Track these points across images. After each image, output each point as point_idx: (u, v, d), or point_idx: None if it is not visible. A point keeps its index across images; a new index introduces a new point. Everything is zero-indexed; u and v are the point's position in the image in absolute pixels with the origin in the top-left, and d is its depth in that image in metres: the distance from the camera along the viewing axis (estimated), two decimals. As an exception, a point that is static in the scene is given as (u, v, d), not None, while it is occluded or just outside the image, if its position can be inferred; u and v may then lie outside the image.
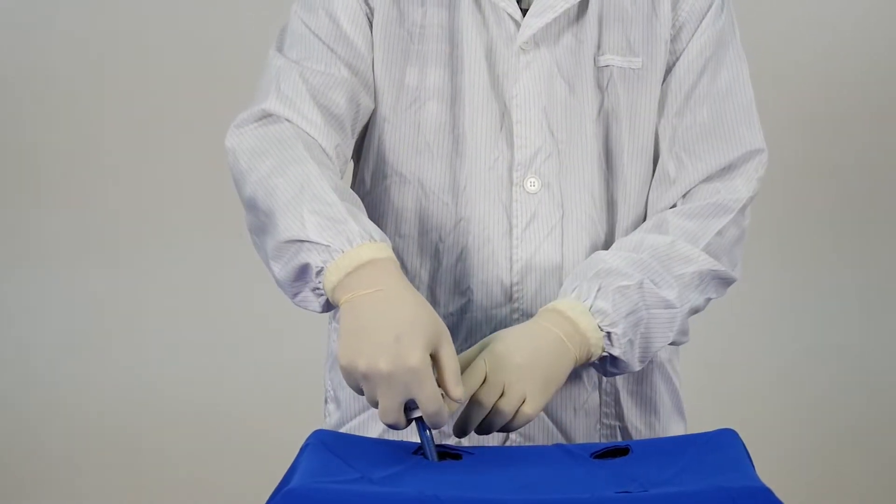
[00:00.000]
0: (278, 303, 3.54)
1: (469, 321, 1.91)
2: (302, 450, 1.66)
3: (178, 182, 3.57)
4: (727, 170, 1.92)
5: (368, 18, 1.89)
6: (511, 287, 1.90)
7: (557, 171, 1.90)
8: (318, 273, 1.69)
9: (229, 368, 3.59)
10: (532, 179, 1.89)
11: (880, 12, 3.53)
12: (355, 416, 1.98)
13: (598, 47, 1.90)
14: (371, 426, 1.96)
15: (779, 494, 1.52)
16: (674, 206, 1.91)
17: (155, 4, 3.55)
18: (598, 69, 1.90)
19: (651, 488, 1.54)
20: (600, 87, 1.90)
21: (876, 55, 3.53)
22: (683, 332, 1.93)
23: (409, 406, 1.65)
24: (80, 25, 3.54)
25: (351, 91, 1.88)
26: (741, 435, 1.70)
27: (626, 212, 1.92)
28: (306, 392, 3.52)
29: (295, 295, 1.74)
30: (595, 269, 1.81)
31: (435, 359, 1.63)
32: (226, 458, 3.59)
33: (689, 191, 1.91)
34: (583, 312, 1.77)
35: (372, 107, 1.91)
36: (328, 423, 2.02)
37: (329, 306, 1.73)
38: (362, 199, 1.87)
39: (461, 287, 1.92)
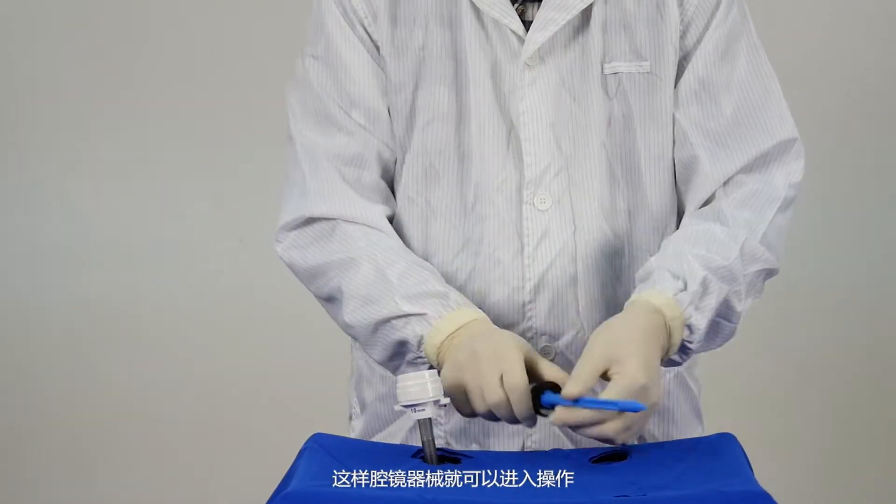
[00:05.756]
0: (278, 305, 3.55)
1: None
2: (300, 453, 1.66)
3: (179, 182, 3.56)
4: (762, 160, 1.87)
5: (375, 59, 1.88)
6: (524, 306, 1.87)
7: (567, 186, 1.87)
8: (419, 344, 1.78)
9: (227, 370, 3.58)
10: (542, 196, 1.86)
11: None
12: (384, 426, 1.97)
13: (605, 55, 1.86)
14: (396, 437, 1.94)
15: (778, 499, 1.52)
16: (710, 197, 1.87)
17: (153, 3, 3.55)
18: (605, 77, 1.86)
19: (649, 492, 1.54)
20: (609, 95, 1.87)
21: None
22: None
23: (416, 408, 1.66)
24: (78, 24, 3.53)
25: (376, 150, 1.90)
26: (750, 436, 1.69)
27: (647, 219, 1.89)
28: (306, 395, 3.52)
29: (395, 370, 1.83)
30: (698, 275, 1.75)
31: (532, 368, 1.71)
32: (224, 462, 3.58)
33: (728, 181, 1.87)
34: (681, 325, 1.74)
35: (394, 152, 1.91)
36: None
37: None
38: None
39: None
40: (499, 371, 1.68)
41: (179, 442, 3.58)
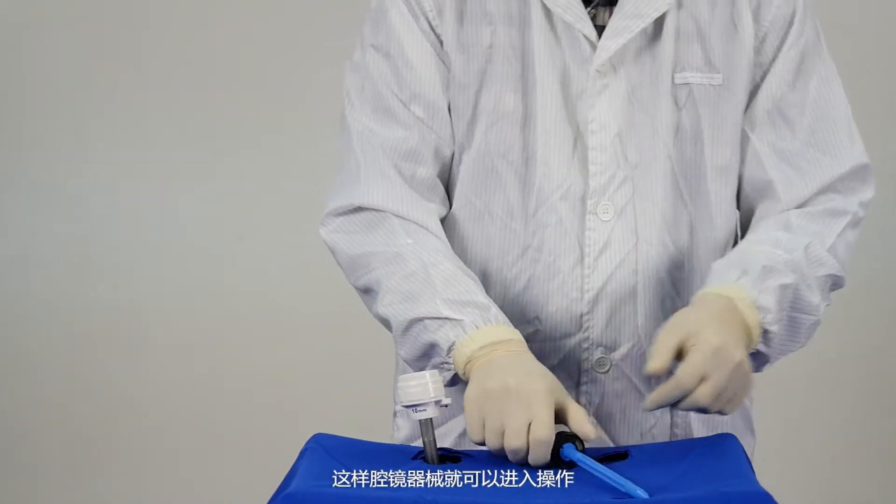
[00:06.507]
0: (278, 304, 3.55)
1: (536, 351, 1.78)
2: (301, 454, 1.66)
3: (178, 182, 3.56)
4: (833, 185, 1.86)
5: (438, 53, 1.85)
6: (581, 317, 1.85)
7: (631, 197, 1.84)
8: (449, 350, 1.73)
9: (228, 370, 3.58)
10: (606, 206, 1.83)
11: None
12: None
13: (676, 64, 1.83)
14: (445, 440, 1.90)
15: (779, 499, 1.52)
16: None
17: (154, 4, 3.55)
18: (676, 87, 1.83)
19: (650, 493, 1.54)
20: (678, 105, 1.84)
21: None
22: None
23: (417, 408, 1.66)
24: (78, 24, 3.53)
25: (434, 146, 1.86)
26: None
27: (708, 233, 1.87)
28: (307, 394, 3.53)
29: (420, 370, 1.77)
30: (757, 263, 1.75)
31: (560, 411, 1.66)
32: (224, 462, 3.58)
33: (803, 204, 1.86)
34: (750, 306, 1.72)
35: (452, 149, 1.88)
36: (397, 438, 1.98)
37: (453, 382, 1.74)
38: None
39: (528, 316, 1.86)
40: (528, 418, 1.62)
41: (180, 442, 3.58)
